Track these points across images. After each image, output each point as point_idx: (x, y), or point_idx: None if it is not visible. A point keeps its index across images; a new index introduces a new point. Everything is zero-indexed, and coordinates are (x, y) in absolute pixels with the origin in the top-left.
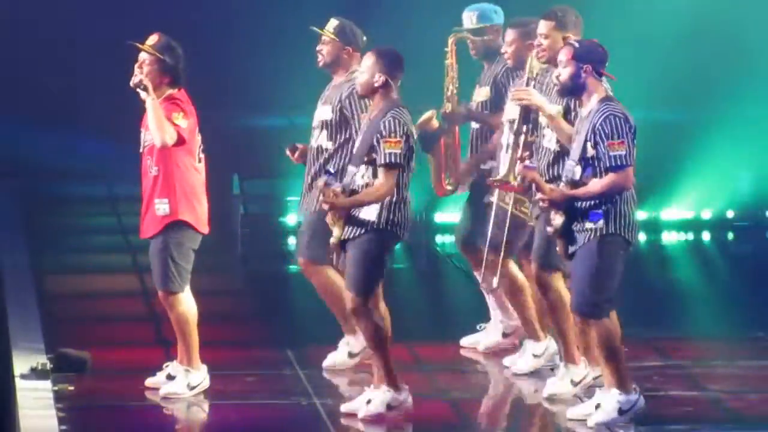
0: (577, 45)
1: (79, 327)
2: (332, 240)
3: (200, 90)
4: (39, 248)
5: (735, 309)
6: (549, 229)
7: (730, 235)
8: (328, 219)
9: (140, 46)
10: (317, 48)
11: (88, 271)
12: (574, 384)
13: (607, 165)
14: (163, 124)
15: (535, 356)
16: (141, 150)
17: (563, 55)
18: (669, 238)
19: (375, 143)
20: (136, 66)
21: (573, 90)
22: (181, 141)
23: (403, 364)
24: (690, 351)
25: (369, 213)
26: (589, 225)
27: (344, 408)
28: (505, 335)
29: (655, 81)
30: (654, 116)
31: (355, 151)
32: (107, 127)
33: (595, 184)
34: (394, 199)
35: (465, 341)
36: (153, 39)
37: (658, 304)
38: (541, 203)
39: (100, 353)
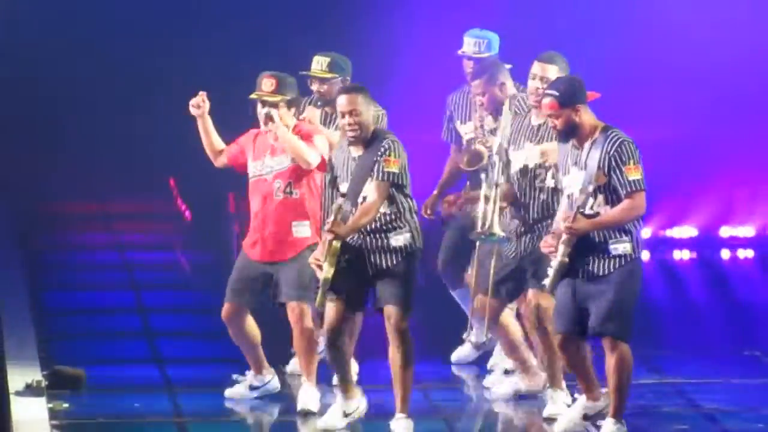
0: (556, 93)
1: (74, 344)
2: (324, 276)
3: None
4: (34, 265)
5: (730, 327)
6: (561, 258)
7: (725, 253)
8: (318, 254)
9: (262, 97)
10: (315, 89)
11: (83, 288)
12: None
13: (628, 190)
14: (304, 148)
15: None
16: (260, 174)
17: (548, 109)
18: (663, 256)
19: (375, 162)
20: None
21: (572, 133)
22: (321, 164)
23: None
24: (684, 368)
25: (400, 240)
26: (615, 252)
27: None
28: (506, 372)
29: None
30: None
31: (347, 189)
32: (103, 144)
33: (614, 211)
34: (417, 224)
35: (455, 356)
36: (268, 85)
37: (652, 321)
38: (566, 232)
39: (95, 370)
